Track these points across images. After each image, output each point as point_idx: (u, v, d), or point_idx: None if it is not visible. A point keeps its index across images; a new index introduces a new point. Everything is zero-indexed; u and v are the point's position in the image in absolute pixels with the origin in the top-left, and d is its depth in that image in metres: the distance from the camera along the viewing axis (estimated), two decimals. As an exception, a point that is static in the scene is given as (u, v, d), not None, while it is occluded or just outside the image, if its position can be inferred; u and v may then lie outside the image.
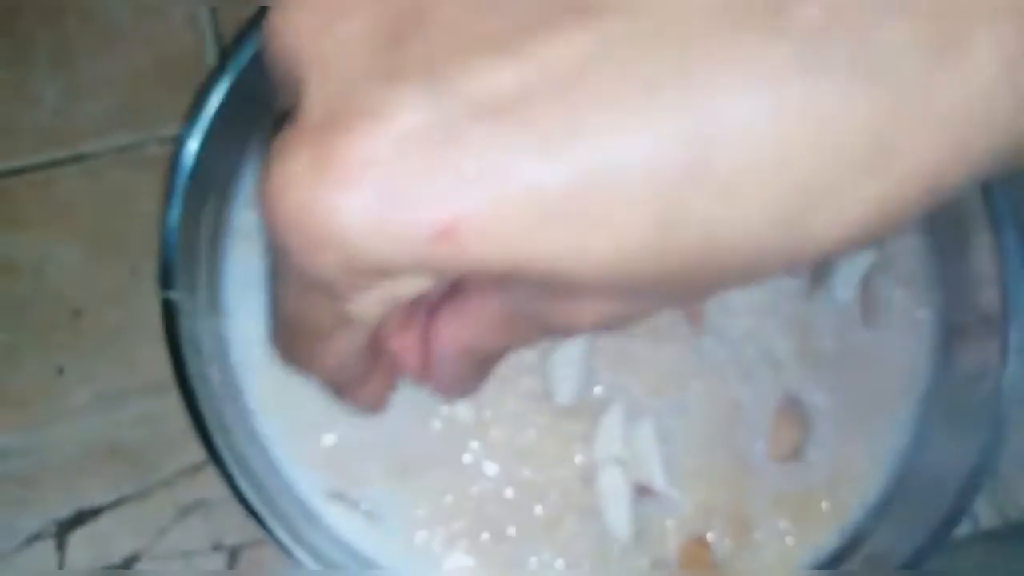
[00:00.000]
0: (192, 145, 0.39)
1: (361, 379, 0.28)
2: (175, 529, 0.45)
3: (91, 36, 0.52)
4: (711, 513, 0.42)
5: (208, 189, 0.41)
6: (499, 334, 0.26)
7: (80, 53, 0.52)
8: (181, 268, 0.38)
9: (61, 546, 0.45)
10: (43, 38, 0.52)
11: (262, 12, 0.41)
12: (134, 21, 0.52)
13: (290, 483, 0.41)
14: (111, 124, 0.50)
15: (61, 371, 0.47)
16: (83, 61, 0.51)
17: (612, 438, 0.41)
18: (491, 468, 0.41)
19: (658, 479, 0.41)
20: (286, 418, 0.41)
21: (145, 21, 0.52)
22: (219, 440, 0.36)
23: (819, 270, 0.44)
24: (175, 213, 0.38)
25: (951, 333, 0.44)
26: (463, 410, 0.42)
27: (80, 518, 0.45)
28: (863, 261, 0.44)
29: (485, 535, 0.41)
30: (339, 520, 0.40)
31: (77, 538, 0.45)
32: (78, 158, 0.50)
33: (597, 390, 0.42)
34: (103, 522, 0.45)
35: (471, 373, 0.28)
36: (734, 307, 0.43)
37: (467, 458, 0.41)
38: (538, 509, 0.41)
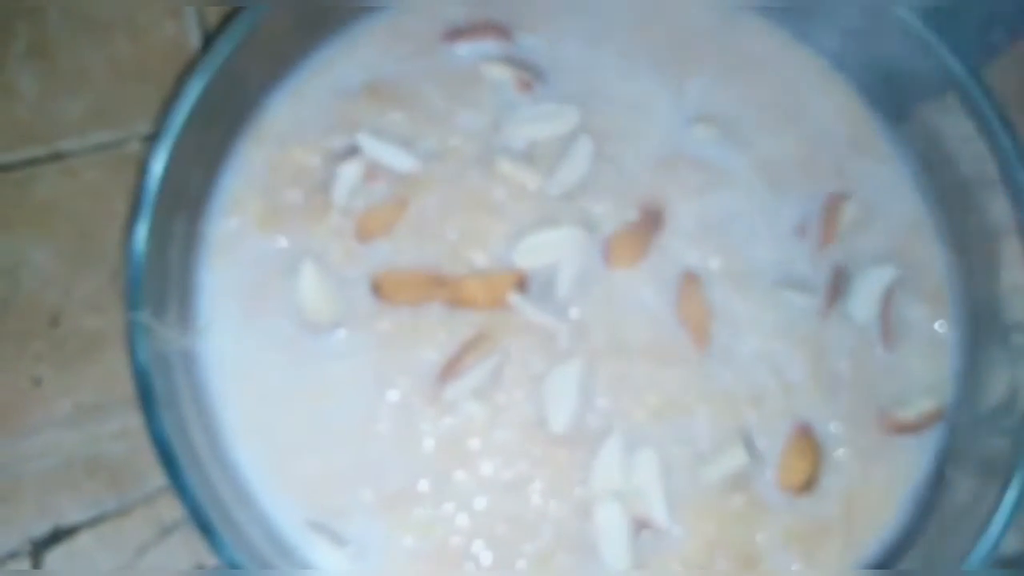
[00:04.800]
0: (161, 155, 0.36)
1: None
2: (156, 548, 0.44)
3: (72, 27, 0.50)
4: (716, 548, 0.39)
5: (181, 197, 0.38)
6: None
7: (60, 45, 0.49)
8: (150, 284, 0.36)
9: (37, 565, 0.43)
10: (22, 28, 0.49)
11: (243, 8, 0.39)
12: (116, 12, 0.50)
13: (265, 512, 0.39)
14: (91, 120, 0.48)
15: (38, 382, 0.45)
16: (63, 53, 0.49)
17: (610, 469, 0.39)
18: (480, 502, 0.39)
19: (659, 512, 0.39)
20: (263, 443, 0.39)
21: (127, 12, 0.50)
22: (184, 465, 0.34)
23: (836, 287, 0.41)
24: (143, 228, 0.35)
25: (977, 355, 0.41)
26: (452, 440, 0.39)
27: (57, 536, 0.44)
28: (884, 276, 0.41)
29: (472, 571, 0.38)
30: (319, 552, 0.38)
31: (53, 557, 0.43)
32: (56, 156, 0.48)
33: (594, 417, 0.39)
34: (81, 540, 0.44)
35: None
36: (743, 327, 0.41)
37: (455, 491, 0.39)
38: (529, 546, 0.38)
